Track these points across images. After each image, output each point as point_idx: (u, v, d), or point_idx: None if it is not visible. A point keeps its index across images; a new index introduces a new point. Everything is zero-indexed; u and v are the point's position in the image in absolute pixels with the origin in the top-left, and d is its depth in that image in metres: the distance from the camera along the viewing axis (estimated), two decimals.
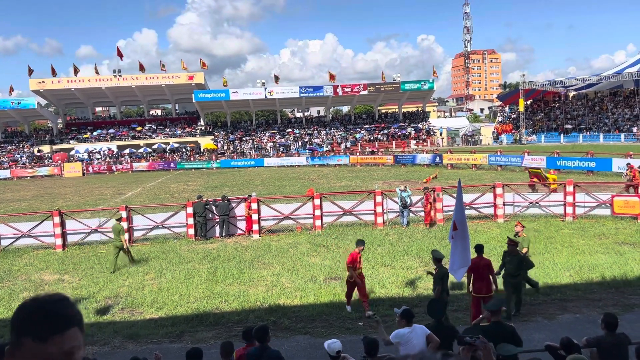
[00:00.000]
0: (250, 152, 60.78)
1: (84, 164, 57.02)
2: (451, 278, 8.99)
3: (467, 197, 18.04)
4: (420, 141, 63.29)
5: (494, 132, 67.36)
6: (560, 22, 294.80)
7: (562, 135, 60.01)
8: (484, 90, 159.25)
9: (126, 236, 15.20)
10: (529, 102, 67.06)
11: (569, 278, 11.74)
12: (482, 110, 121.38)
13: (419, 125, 67.74)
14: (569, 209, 18.01)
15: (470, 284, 9.31)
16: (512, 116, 68.55)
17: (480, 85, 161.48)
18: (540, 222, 17.65)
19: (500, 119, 72.23)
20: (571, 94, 66.28)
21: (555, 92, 65.44)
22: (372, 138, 64.30)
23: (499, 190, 18.54)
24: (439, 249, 14.37)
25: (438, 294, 8.81)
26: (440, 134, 67.41)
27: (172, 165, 55.82)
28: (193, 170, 53.35)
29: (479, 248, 9.48)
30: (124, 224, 16.33)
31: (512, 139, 62.69)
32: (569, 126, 61.64)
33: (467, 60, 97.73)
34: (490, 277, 9.18)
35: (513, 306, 9.68)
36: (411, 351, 5.92)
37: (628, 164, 24.20)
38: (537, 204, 18.77)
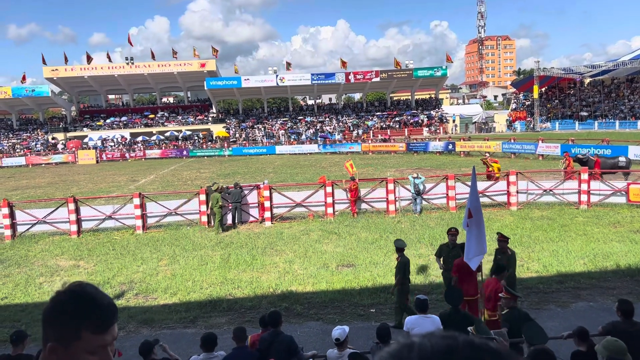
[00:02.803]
0: (262, 140, 60.84)
1: (98, 151, 57.47)
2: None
3: (480, 185, 17.92)
4: (433, 129, 62.88)
5: (507, 119, 66.70)
6: (575, 7, 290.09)
7: (577, 122, 59.24)
8: (498, 77, 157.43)
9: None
10: (543, 89, 66.22)
11: (583, 266, 11.65)
12: (495, 97, 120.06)
13: (432, 112, 67.24)
14: (584, 197, 17.83)
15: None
16: (526, 103, 67.77)
17: (494, 72, 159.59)
18: (554, 210, 17.51)
19: (514, 106, 71.47)
20: (586, 80, 65.31)
21: (570, 78, 64.50)
22: (384, 125, 64.00)
23: (512, 178, 18.39)
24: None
25: (399, 282, 8.98)
26: (453, 121, 66.89)
27: (184, 152, 56.07)
28: (205, 157, 53.57)
29: (463, 247, 8.98)
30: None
31: (523, 126, 62.03)
32: (584, 113, 60.81)
33: (480, 47, 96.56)
34: (479, 277, 8.69)
35: None
36: None
37: (565, 152, 26.74)
38: (551, 192, 18.60)
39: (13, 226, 17.57)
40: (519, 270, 11.36)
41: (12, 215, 17.61)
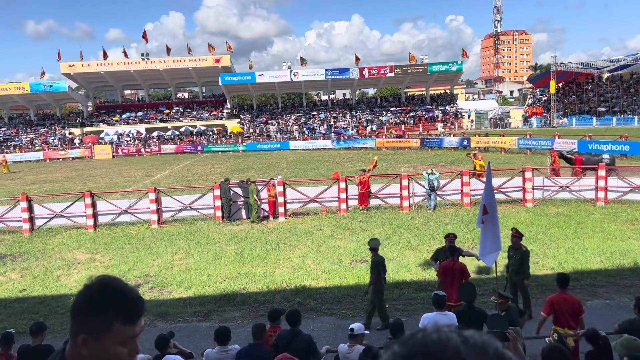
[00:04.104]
0: (275, 135, 60.93)
1: (114, 146, 58.03)
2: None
3: (495, 181, 17.79)
4: (448, 124, 62.44)
5: (523, 115, 65.96)
6: (594, 1, 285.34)
7: (594, 118, 58.36)
8: (514, 72, 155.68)
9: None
10: (560, 85, 65.33)
11: (600, 264, 11.52)
12: (511, 92, 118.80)
13: (447, 107, 66.76)
14: (601, 194, 17.60)
15: (439, 289, 8.55)
16: (543, 99, 66.95)
17: (510, 67, 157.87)
18: (570, 207, 17.32)
19: (530, 101, 70.64)
20: (605, 75, 64.25)
21: (588, 73, 63.47)
22: (398, 121, 63.70)
23: (528, 174, 18.22)
24: (465, 234, 14.31)
25: (373, 282, 9.00)
26: (469, 116, 66.34)
27: (199, 148, 56.38)
28: (220, 153, 53.83)
29: (453, 250, 8.80)
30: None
31: (539, 121, 61.28)
32: (602, 109, 59.88)
33: (496, 42, 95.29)
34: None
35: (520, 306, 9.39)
36: None
37: (551, 149, 27.63)
38: (567, 188, 18.40)
39: (31, 220, 17.85)
40: (534, 267, 11.27)
41: (30, 209, 17.89)
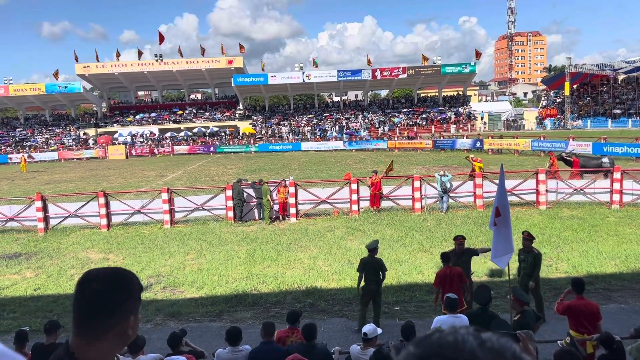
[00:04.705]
0: (287, 136, 61.04)
1: (127, 146, 58.53)
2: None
3: (508, 183, 17.66)
4: (461, 125, 62.11)
5: (537, 116, 65.39)
6: (609, 2, 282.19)
7: (609, 120, 57.69)
8: (528, 74, 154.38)
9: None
10: (575, 86, 64.68)
11: (614, 267, 11.38)
12: (525, 94, 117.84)
13: (460, 109, 66.42)
14: (616, 197, 17.39)
15: (438, 299, 8.32)
16: (557, 100, 66.33)
17: (524, 68, 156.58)
18: (584, 210, 17.13)
19: (544, 103, 70.03)
20: (620, 77, 63.49)
21: (603, 75, 62.78)
22: (410, 122, 63.50)
23: (541, 177, 18.06)
24: (478, 236, 14.21)
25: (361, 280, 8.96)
26: (482, 118, 65.92)
27: (211, 148, 56.65)
28: (232, 154, 54.05)
29: (445, 257, 8.54)
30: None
31: (553, 123, 60.70)
32: (618, 111, 59.18)
33: (510, 43, 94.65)
34: (463, 289, 8.21)
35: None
36: None
37: (550, 152, 28.23)
38: (581, 191, 18.20)
39: (46, 219, 18.06)
40: (547, 270, 11.18)
41: (45, 209, 18.09)
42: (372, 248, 9.12)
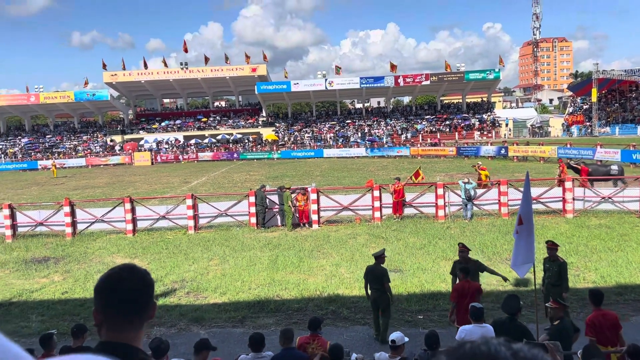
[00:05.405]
0: (310, 143, 61.21)
1: (153, 153, 59.43)
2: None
3: (534, 191, 17.39)
4: (485, 132, 61.44)
5: (564, 123, 64.29)
6: (638, 7, 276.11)
7: (638, 127, 56.37)
8: (554, 80, 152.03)
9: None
10: (602, 92, 63.43)
11: None
12: (551, 100, 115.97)
13: (484, 116, 65.73)
14: None
15: (453, 315, 7.98)
16: (584, 107, 65.13)
17: (550, 74, 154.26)
18: (613, 218, 16.75)
19: (570, 109, 68.82)
20: None
21: (632, 81, 61.40)
22: (433, 129, 63.07)
23: (568, 185, 17.73)
24: (503, 244, 14.01)
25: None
26: (507, 125, 65.10)
27: (235, 155, 57.15)
28: (255, 160, 54.42)
29: (466, 270, 8.14)
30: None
31: (580, 130, 59.55)
32: None
33: (535, 49, 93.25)
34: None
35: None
36: None
37: (559, 158, 27.45)
38: (609, 200, 17.81)
39: (73, 224, 18.43)
40: (574, 280, 10.95)
41: (72, 214, 18.48)
42: (377, 256, 9.05)
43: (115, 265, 1.77)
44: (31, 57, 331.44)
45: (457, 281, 8.51)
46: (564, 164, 22.82)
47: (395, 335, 6.01)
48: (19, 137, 68.74)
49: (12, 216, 18.55)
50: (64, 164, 55.72)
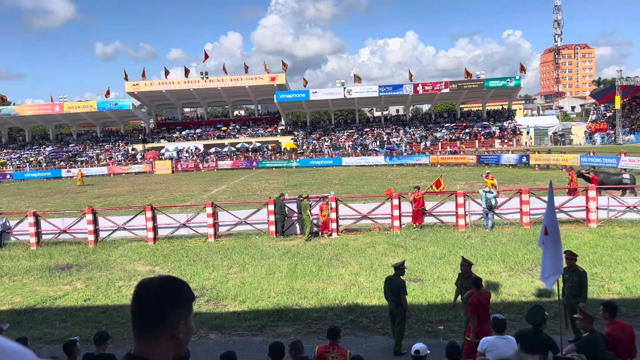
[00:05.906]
0: (328, 152, 61.27)
1: (173, 161, 60.06)
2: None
3: (557, 200, 17.13)
4: (506, 140, 60.80)
5: (586, 131, 63.31)
6: None
7: None
8: (576, 87, 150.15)
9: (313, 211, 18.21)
10: (626, 100, 62.34)
11: None
12: (573, 108, 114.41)
13: (504, 123, 65.08)
14: None
15: (472, 333, 7.69)
16: (607, 114, 64.09)
17: (572, 82, 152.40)
18: (638, 228, 16.40)
19: (593, 117, 67.80)
20: None
21: None
22: (453, 137, 62.65)
23: (591, 194, 17.43)
24: (525, 254, 13.82)
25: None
26: (528, 133, 64.34)
27: (254, 163, 57.46)
28: (274, 169, 54.65)
29: (479, 282, 8.09)
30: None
31: (602, 138, 58.53)
32: None
33: (557, 56, 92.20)
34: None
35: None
36: (500, 356, 5.76)
37: (569, 168, 26.97)
38: (634, 209, 17.45)
39: (96, 232, 18.71)
40: (598, 291, 10.74)
41: (95, 222, 18.76)
42: (397, 267, 8.99)
43: (156, 276, 1.82)
44: (56, 68, 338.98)
45: (463, 293, 8.53)
46: (573, 172, 22.66)
47: (419, 346, 5.95)
48: (44, 146, 70.15)
49: (37, 224, 18.91)
50: (84, 173, 56.73)
